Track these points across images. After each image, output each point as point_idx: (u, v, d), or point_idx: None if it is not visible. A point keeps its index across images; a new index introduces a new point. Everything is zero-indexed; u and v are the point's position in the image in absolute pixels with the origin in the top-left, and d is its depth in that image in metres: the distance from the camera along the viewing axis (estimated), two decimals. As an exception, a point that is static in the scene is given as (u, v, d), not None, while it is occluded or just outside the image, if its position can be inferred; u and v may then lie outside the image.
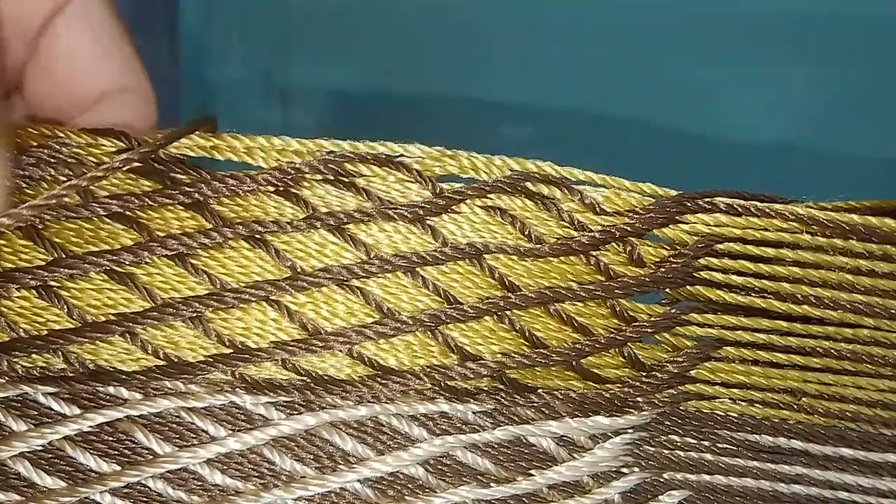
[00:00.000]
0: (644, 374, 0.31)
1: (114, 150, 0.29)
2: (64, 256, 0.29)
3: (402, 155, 0.30)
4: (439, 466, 0.30)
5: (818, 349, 0.30)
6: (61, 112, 0.34)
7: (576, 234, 0.30)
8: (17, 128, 0.30)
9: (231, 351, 0.30)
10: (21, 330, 0.29)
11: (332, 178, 0.30)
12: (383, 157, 0.30)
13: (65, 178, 0.29)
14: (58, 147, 0.29)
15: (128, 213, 0.29)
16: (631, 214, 0.30)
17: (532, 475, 0.30)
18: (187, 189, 0.29)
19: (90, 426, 0.29)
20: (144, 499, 0.29)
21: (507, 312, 0.30)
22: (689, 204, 0.30)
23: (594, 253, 0.30)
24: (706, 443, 0.31)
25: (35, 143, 0.29)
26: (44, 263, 0.29)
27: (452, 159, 0.30)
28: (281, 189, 0.29)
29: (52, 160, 0.29)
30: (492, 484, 0.30)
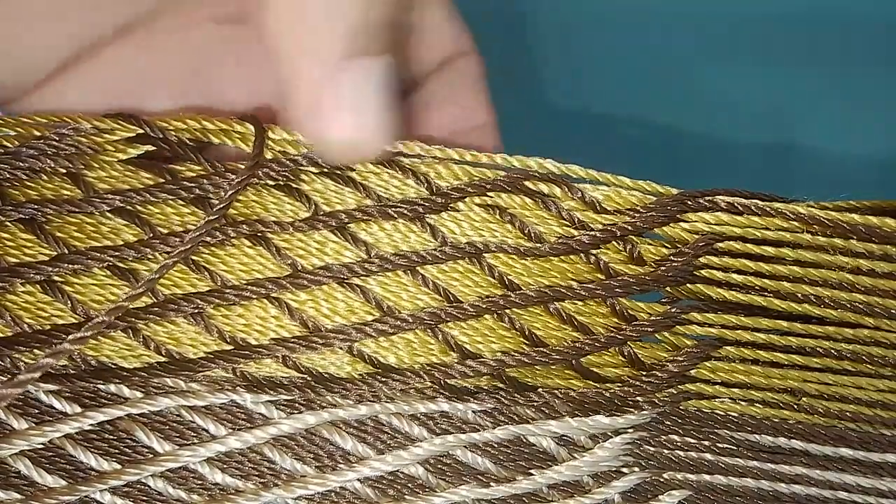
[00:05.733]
0: (644, 373, 0.31)
1: (119, 138, 0.29)
2: (67, 252, 0.29)
3: (400, 153, 0.30)
4: (439, 466, 0.30)
5: (818, 349, 0.30)
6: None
7: (576, 232, 0.30)
8: None
9: (232, 347, 0.30)
10: (25, 325, 0.29)
11: (329, 171, 0.30)
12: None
13: (63, 171, 0.29)
14: (58, 138, 0.29)
15: (129, 207, 0.29)
16: (632, 213, 0.30)
17: (532, 475, 0.30)
18: (189, 185, 0.29)
19: (91, 424, 0.29)
20: (144, 497, 0.29)
21: (507, 311, 0.30)
22: (689, 202, 0.30)
23: (594, 251, 0.30)
24: (706, 442, 0.31)
25: (37, 134, 0.29)
26: (48, 259, 0.29)
27: (453, 157, 0.30)
28: (281, 183, 0.30)
29: (53, 151, 0.29)
30: (492, 483, 0.30)
